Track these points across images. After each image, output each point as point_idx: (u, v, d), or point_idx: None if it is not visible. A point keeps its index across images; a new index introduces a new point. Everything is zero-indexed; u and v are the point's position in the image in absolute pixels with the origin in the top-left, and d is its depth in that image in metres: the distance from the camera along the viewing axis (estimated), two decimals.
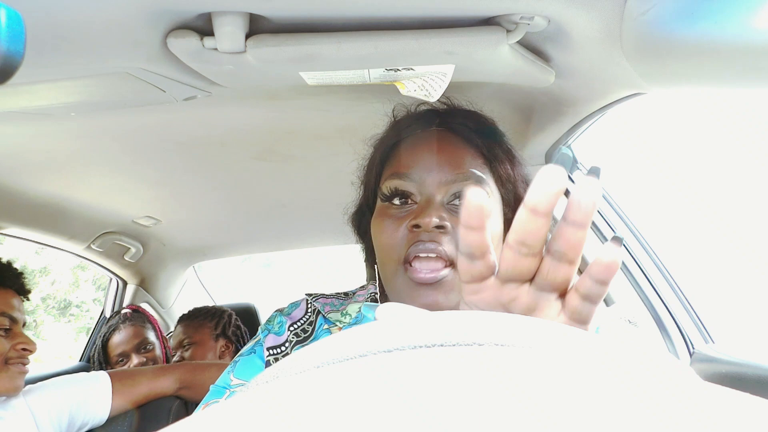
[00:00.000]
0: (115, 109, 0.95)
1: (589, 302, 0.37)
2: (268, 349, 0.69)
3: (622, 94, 0.82)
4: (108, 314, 2.09)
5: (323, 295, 0.75)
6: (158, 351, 1.79)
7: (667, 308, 1.13)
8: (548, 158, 1.21)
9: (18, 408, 1.14)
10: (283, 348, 0.69)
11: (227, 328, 1.80)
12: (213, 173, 1.43)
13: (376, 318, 0.33)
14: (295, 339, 0.70)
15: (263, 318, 2.24)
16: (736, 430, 0.15)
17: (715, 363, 0.99)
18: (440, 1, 0.61)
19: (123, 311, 1.86)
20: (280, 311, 0.74)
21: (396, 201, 0.65)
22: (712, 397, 0.17)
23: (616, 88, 0.80)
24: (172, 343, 1.89)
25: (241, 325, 1.88)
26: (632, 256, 1.18)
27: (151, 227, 1.86)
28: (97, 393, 1.24)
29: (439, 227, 0.60)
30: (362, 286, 0.78)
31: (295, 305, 0.74)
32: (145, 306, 2.06)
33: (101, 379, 1.27)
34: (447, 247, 0.60)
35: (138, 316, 1.82)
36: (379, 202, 0.68)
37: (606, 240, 1.19)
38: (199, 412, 0.20)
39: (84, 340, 2.24)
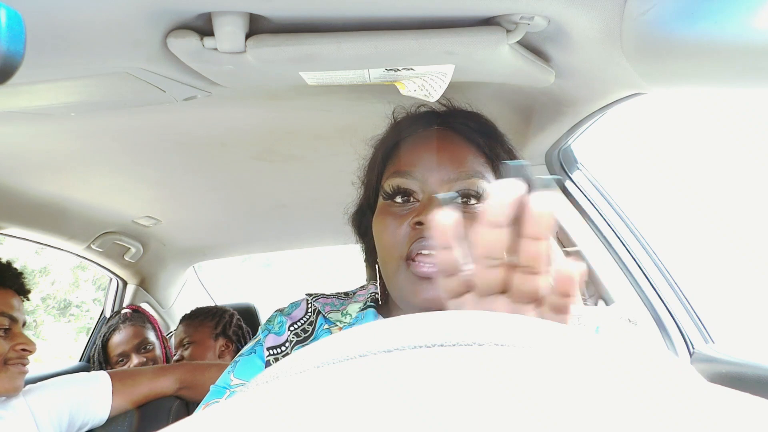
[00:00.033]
0: (115, 109, 0.95)
1: (560, 313, 0.39)
2: (268, 349, 0.69)
3: (622, 94, 0.82)
4: (108, 314, 2.09)
5: (323, 295, 0.75)
6: (158, 351, 1.79)
7: (667, 308, 1.13)
8: (548, 158, 1.21)
9: (18, 408, 1.14)
10: (283, 348, 0.69)
11: (227, 328, 1.81)
12: (213, 173, 1.43)
13: None
14: (296, 339, 0.70)
15: (263, 318, 2.24)
16: (736, 430, 0.15)
17: (715, 363, 0.99)
18: (440, 1, 0.61)
19: (123, 311, 1.86)
20: (280, 311, 0.74)
21: (398, 199, 0.65)
22: (712, 397, 0.17)
23: (616, 88, 0.80)
24: (173, 342, 1.89)
25: (243, 325, 1.88)
26: (632, 256, 1.18)
27: (151, 227, 1.86)
28: (98, 393, 1.24)
29: None
30: (362, 286, 0.78)
31: (295, 305, 0.74)
32: (145, 306, 2.06)
33: (101, 379, 1.27)
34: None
35: (138, 316, 1.83)
36: (380, 201, 0.68)
37: (604, 240, 1.19)
38: (199, 412, 0.20)
39: (84, 340, 2.24)
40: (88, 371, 1.36)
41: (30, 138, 1.09)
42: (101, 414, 1.24)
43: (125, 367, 1.69)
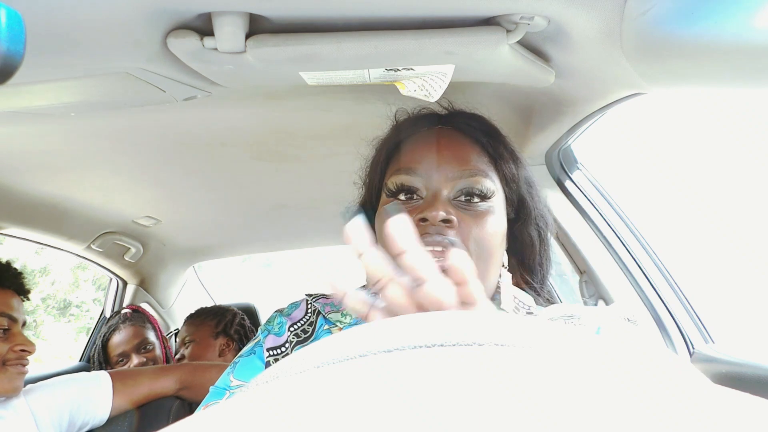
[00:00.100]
0: (115, 109, 0.95)
1: (468, 305, 0.41)
2: (268, 349, 0.69)
3: (622, 94, 0.82)
4: (108, 314, 2.09)
5: (323, 296, 0.75)
6: (158, 351, 1.79)
7: (667, 308, 1.13)
8: (548, 158, 1.21)
9: (18, 408, 1.14)
10: (283, 349, 0.69)
11: (229, 327, 1.82)
12: (213, 173, 1.43)
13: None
14: (296, 339, 0.70)
15: (263, 318, 2.24)
16: (736, 430, 0.15)
17: (715, 363, 0.99)
18: (440, 1, 0.61)
19: (123, 311, 1.86)
20: (279, 312, 0.74)
21: (402, 196, 0.66)
22: (712, 397, 0.17)
23: (616, 88, 0.80)
24: (173, 342, 1.90)
25: (247, 324, 1.89)
26: (632, 256, 1.18)
27: (151, 227, 1.86)
28: (98, 393, 1.24)
29: (446, 221, 0.61)
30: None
31: (295, 306, 0.74)
32: (145, 306, 2.06)
33: (102, 379, 1.27)
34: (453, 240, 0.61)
35: (138, 316, 1.83)
36: (383, 198, 0.68)
37: (604, 240, 1.19)
38: (199, 412, 0.20)
39: (84, 340, 2.24)
40: (88, 371, 1.36)
41: (30, 138, 1.09)
42: (102, 414, 1.24)
43: (125, 367, 1.69)
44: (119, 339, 1.73)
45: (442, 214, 0.60)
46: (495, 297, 0.68)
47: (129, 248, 1.98)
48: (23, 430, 1.12)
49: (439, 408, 0.15)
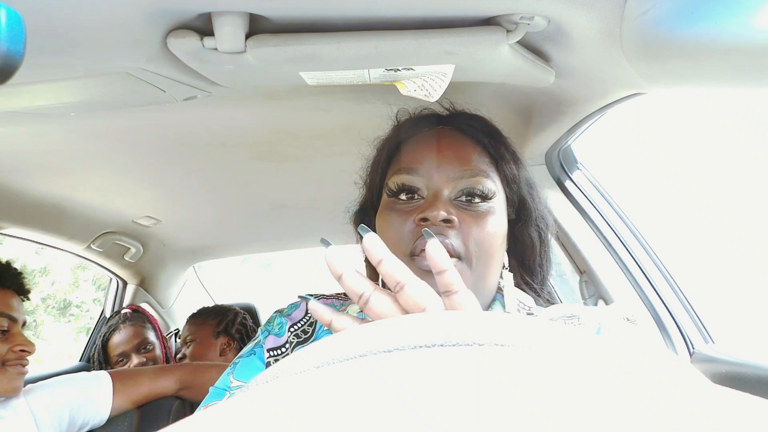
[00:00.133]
0: (115, 109, 0.95)
1: (450, 294, 0.45)
2: (268, 350, 0.69)
3: (622, 94, 0.82)
4: (108, 314, 2.09)
5: (323, 296, 0.75)
6: (158, 351, 1.79)
7: (667, 308, 1.13)
8: (548, 158, 1.21)
9: (18, 408, 1.14)
10: (283, 349, 0.69)
11: (230, 327, 1.82)
12: (213, 173, 1.43)
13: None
14: (296, 340, 0.69)
15: (263, 318, 2.24)
16: (736, 430, 0.15)
17: (715, 363, 0.99)
18: (440, 1, 0.61)
19: (123, 311, 1.86)
20: (279, 312, 0.74)
21: (403, 196, 0.66)
22: (712, 397, 0.17)
23: (616, 88, 0.80)
24: (173, 341, 1.90)
25: (249, 324, 1.89)
26: (632, 256, 1.18)
27: (151, 227, 1.86)
28: (98, 393, 1.24)
29: (447, 221, 0.61)
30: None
31: (294, 306, 0.74)
32: (145, 306, 2.06)
33: (102, 378, 1.27)
34: (454, 240, 0.61)
35: (138, 316, 1.83)
36: (384, 198, 0.68)
37: (604, 240, 1.19)
38: (199, 412, 0.20)
39: (84, 340, 2.24)
40: (88, 371, 1.36)
41: (30, 138, 1.09)
42: (102, 414, 1.24)
43: (125, 367, 1.69)
44: (119, 339, 1.74)
45: (443, 214, 0.60)
46: (496, 298, 0.67)
47: (129, 248, 1.98)
48: (23, 430, 1.12)
49: (439, 408, 0.15)
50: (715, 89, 0.64)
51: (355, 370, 0.18)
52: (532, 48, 0.73)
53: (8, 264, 1.21)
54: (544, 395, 0.16)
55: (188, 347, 1.76)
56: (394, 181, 0.66)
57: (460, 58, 0.70)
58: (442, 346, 0.20)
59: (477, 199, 0.64)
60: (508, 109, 1.05)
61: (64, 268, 7.67)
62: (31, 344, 1.14)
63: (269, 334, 0.70)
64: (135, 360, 1.71)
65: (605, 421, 0.15)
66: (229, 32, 0.64)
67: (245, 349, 0.71)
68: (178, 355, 1.81)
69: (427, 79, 0.78)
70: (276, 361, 0.68)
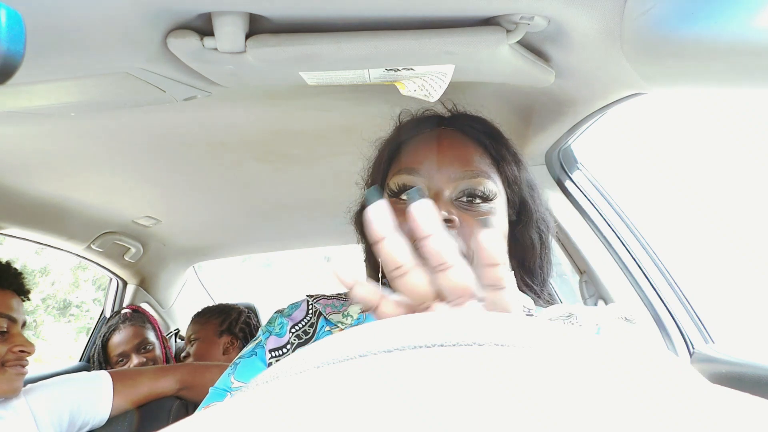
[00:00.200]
0: (115, 109, 0.95)
1: (496, 289, 0.39)
2: (270, 351, 0.69)
3: (622, 94, 0.82)
4: (108, 314, 2.09)
5: (324, 296, 0.75)
6: (158, 351, 1.79)
7: (667, 308, 1.13)
8: (548, 158, 1.21)
9: (18, 408, 1.14)
10: (285, 350, 0.69)
11: (234, 326, 1.83)
12: (213, 173, 1.42)
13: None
14: (297, 341, 0.69)
15: (263, 318, 2.24)
16: (736, 430, 0.15)
17: (715, 363, 0.99)
18: (440, 1, 0.61)
19: (123, 311, 1.86)
20: (280, 312, 0.74)
21: (404, 196, 0.66)
22: (712, 397, 0.17)
23: (616, 88, 0.80)
24: (177, 340, 1.90)
25: (252, 323, 1.90)
26: (632, 256, 1.18)
27: (151, 227, 1.86)
28: (99, 393, 1.24)
29: (448, 221, 0.61)
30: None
31: (295, 306, 0.74)
32: (145, 306, 2.06)
33: (102, 378, 1.27)
34: (455, 241, 0.61)
35: (138, 316, 1.83)
36: (385, 198, 0.68)
37: (604, 240, 1.19)
38: (199, 412, 0.20)
39: (84, 340, 2.24)
40: (88, 371, 1.36)
41: (30, 138, 1.09)
42: (102, 414, 1.24)
43: (125, 367, 1.69)
44: (119, 339, 1.74)
45: (444, 214, 0.60)
46: None
47: (129, 248, 1.98)
48: (23, 430, 1.12)
49: (439, 408, 0.15)
50: (715, 89, 0.64)
51: (355, 370, 0.18)
52: (532, 48, 0.73)
53: (8, 264, 1.21)
54: (544, 395, 0.16)
55: (192, 345, 1.77)
56: (395, 182, 0.66)
57: (460, 58, 0.70)
58: (442, 346, 0.20)
59: (478, 200, 0.64)
60: (508, 109, 1.05)
61: (64, 268, 7.67)
62: (31, 345, 1.14)
63: (270, 334, 0.70)
64: (135, 360, 1.71)
65: (605, 421, 0.15)
66: (229, 32, 0.64)
67: (246, 350, 0.71)
68: (182, 354, 1.81)
69: (427, 79, 0.78)
70: (277, 361, 0.68)
